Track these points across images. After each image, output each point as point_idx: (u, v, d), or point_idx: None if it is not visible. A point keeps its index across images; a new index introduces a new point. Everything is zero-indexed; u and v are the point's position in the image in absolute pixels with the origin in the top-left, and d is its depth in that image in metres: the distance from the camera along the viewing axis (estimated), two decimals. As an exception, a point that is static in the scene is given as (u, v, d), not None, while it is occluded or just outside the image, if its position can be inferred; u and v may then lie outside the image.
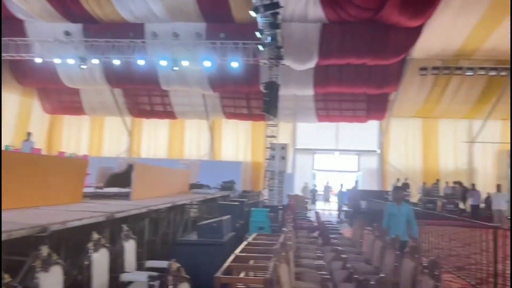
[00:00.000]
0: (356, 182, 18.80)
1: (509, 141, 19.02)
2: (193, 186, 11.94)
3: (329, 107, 21.61)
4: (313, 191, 21.41)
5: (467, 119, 22.05)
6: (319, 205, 21.19)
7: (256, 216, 8.63)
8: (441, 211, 18.15)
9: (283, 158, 19.17)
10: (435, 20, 16.47)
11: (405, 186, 19.33)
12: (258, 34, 15.59)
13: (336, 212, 18.27)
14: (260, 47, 16.62)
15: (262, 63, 17.86)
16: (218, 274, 4.10)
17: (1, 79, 17.67)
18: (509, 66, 18.51)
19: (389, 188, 20.38)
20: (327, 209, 20.54)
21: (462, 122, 22.20)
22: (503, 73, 18.67)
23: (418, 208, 13.32)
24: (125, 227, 4.57)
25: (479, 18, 16.10)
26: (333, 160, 23.48)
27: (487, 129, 21.83)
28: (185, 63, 17.57)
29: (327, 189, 21.36)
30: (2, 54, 18.04)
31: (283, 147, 19.48)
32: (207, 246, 6.04)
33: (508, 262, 6.46)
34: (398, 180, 20.71)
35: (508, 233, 6.27)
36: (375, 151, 22.91)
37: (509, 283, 6.09)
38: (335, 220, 16.80)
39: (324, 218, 14.07)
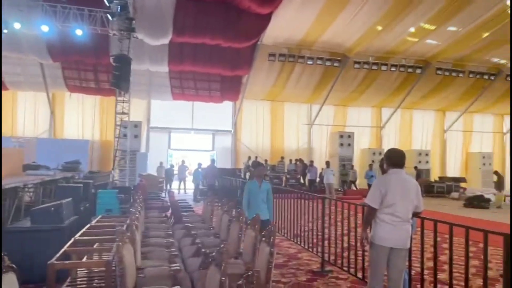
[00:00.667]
0: (212, 160, 18.60)
1: (344, 124, 22.14)
2: (27, 167, 10.96)
3: (184, 86, 20.98)
4: (169, 171, 20.47)
5: (308, 103, 23.38)
6: (175, 185, 20.49)
7: (103, 197, 8.33)
8: (285, 185, 19.06)
9: (136, 136, 19.51)
10: (282, 10, 17.02)
11: (260, 164, 18.58)
12: (106, 1, 14.73)
13: (193, 191, 18.05)
14: (109, 17, 15.56)
15: (112, 34, 16.66)
16: (52, 260, 3.88)
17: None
18: (339, 58, 20.03)
19: (242, 165, 21.47)
20: (184, 189, 20.28)
21: (303, 106, 23.42)
22: (336, 64, 20.17)
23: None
24: None
25: (317, 14, 17.02)
26: (189, 139, 22.87)
27: (323, 113, 23.41)
28: (17, 25, 15.20)
29: (183, 168, 20.30)
30: None
31: (136, 125, 19.55)
32: (42, 233, 5.58)
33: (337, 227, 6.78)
34: (249, 158, 21.14)
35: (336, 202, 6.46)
36: (229, 131, 22.90)
37: (334, 244, 6.59)
38: (192, 199, 16.60)
39: (180, 197, 13.87)
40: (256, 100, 22.82)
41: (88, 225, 5.86)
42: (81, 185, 8.81)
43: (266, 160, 21.56)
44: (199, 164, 19.09)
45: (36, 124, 21.33)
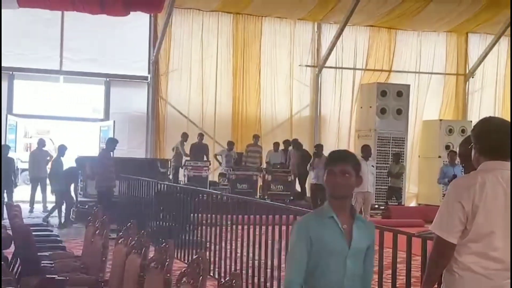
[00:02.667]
0: (109, 142, 15.22)
1: (388, 67, 21.91)
2: None
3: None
4: (7, 163, 16.27)
5: (312, 21, 21.36)
6: (24, 193, 17.80)
7: None
8: (262, 195, 18.79)
9: None
10: None
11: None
12: None
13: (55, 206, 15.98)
14: None
15: None
16: None
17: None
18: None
19: (169, 153, 19.25)
20: (44, 201, 17.14)
21: (303, 26, 21.35)
22: None
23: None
24: None
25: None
26: (56, 94, 19.78)
27: (346, 44, 22.15)
28: None
29: (41, 156, 17.06)
30: None
31: None
32: None
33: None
34: (185, 136, 18.56)
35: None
36: (143, 78, 19.36)
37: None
38: (57, 224, 15.41)
39: (34, 219, 14.46)
40: (200, 11, 19.27)
41: None
42: None
43: (231, 143, 18.39)
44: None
45: None
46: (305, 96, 21.02)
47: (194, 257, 3.92)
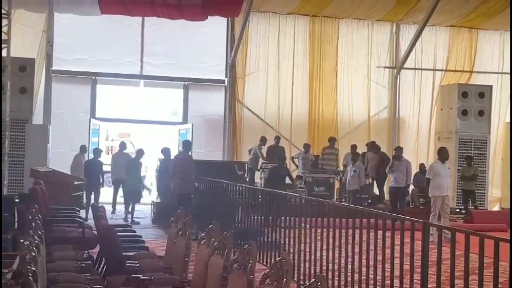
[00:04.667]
0: (186, 144, 15.36)
1: (469, 67, 21.49)
2: None
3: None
4: (93, 165, 16.87)
5: (390, 21, 20.49)
6: (107, 194, 17.86)
7: None
8: (338, 198, 18.72)
9: (24, 91, 17.68)
10: None
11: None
12: None
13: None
14: None
15: None
16: None
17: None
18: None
19: (246, 155, 19.23)
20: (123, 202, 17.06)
21: (381, 27, 20.63)
22: None
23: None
24: None
25: None
26: (136, 99, 20.46)
27: (426, 44, 21.48)
28: None
29: (122, 159, 17.11)
30: None
31: (24, 66, 17.56)
32: None
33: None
34: (263, 139, 18.76)
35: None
36: (220, 81, 19.54)
37: None
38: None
39: (116, 217, 14.92)
40: (276, 14, 19.34)
41: None
42: None
43: (308, 146, 18.32)
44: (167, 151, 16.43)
45: None
46: (383, 97, 20.99)
47: (277, 259, 3.90)
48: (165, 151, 16.72)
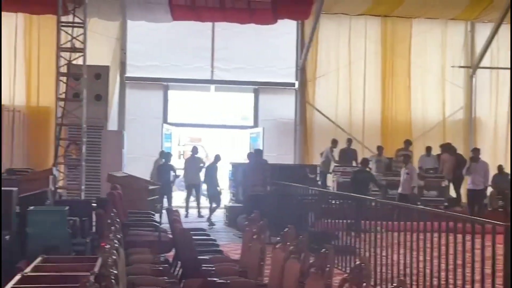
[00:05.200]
0: (258, 151, 15.84)
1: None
2: None
3: (198, -6, 17.77)
4: (164, 169, 17.10)
5: (465, 20, 20.00)
6: (179, 198, 18.39)
7: (39, 223, 8.39)
8: (413, 201, 16.12)
9: (99, 98, 17.57)
10: None
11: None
12: None
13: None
14: None
15: None
16: None
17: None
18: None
19: (317, 158, 18.86)
20: (198, 207, 17.51)
21: (455, 26, 20.17)
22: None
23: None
24: None
25: None
26: (207, 103, 20.28)
27: (501, 43, 20.18)
28: None
29: (194, 163, 17.38)
30: None
31: (100, 73, 17.50)
32: None
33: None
34: (334, 142, 18.14)
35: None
36: (291, 84, 19.16)
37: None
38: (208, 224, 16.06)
39: (189, 221, 14.81)
40: (347, 15, 19.20)
41: (19, 277, 5.14)
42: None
43: (381, 148, 18.19)
44: (217, 157, 16.98)
45: None
46: (458, 98, 20.72)
47: (356, 263, 3.86)
48: (258, 152, 16.78)
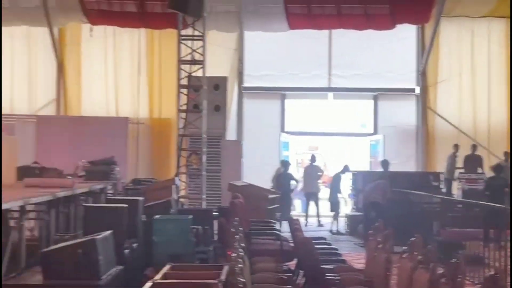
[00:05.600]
0: (385, 162, 15.85)
1: None
2: (25, 171, 11.29)
3: (313, 1, 18.11)
4: (284, 178, 17.39)
5: None
6: (298, 205, 19.12)
7: (164, 231, 8.70)
8: None
9: (218, 108, 17.95)
10: None
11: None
12: None
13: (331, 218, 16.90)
14: None
15: None
16: None
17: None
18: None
19: (441, 164, 18.62)
20: (318, 215, 17.66)
21: None
22: None
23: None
24: None
25: None
26: (325, 111, 20.08)
27: None
28: None
29: (312, 172, 17.48)
30: None
31: (218, 84, 17.90)
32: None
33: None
34: (456, 147, 17.89)
35: None
36: (410, 90, 18.76)
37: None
38: (330, 234, 16.09)
39: (309, 230, 14.79)
40: (469, 17, 18.58)
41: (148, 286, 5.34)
42: (125, 205, 8.88)
43: (508, 154, 17.17)
44: (346, 167, 17.30)
45: (33, 90, 19.71)
46: None
47: (489, 273, 3.91)
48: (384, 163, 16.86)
